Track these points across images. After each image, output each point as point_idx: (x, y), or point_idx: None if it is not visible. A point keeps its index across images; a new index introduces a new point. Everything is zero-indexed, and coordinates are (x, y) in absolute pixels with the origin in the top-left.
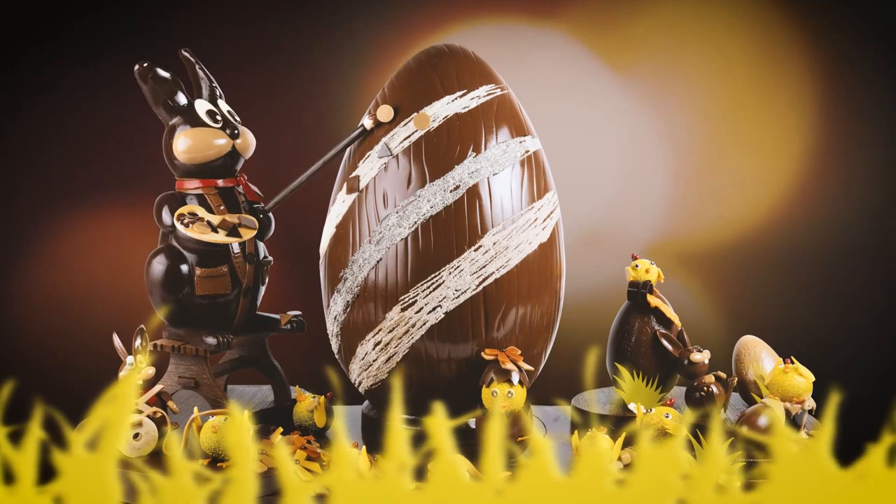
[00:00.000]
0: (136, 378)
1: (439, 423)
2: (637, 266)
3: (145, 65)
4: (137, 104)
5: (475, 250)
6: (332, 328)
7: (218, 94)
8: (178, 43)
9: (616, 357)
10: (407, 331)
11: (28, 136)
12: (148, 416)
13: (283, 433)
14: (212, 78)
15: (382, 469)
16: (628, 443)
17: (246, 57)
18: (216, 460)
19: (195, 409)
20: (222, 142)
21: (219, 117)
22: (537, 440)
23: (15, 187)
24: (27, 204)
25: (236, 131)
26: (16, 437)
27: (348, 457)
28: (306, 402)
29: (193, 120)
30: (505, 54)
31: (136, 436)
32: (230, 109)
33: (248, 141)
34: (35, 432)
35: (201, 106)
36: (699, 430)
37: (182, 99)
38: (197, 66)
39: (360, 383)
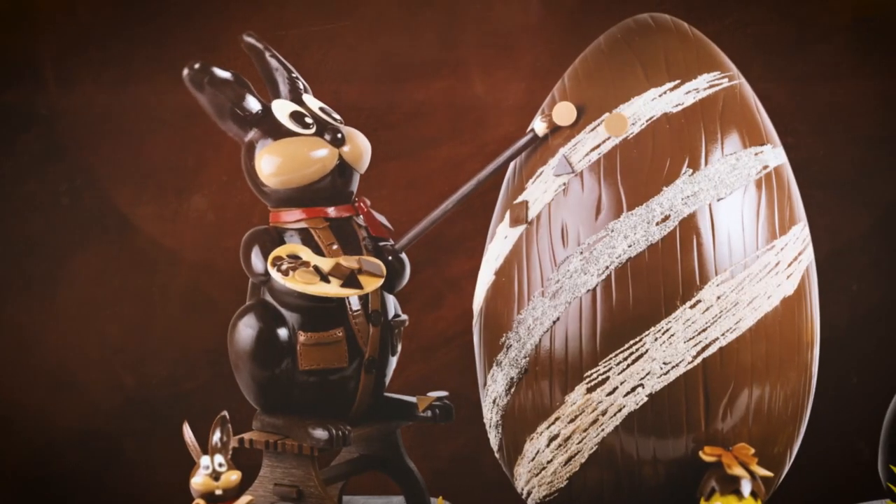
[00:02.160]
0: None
1: None
2: None
3: (196, 66)
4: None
5: (692, 307)
6: (491, 416)
7: (302, 87)
8: (226, 28)
9: (891, 458)
10: (595, 420)
11: None
12: None
13: None
14: (290, 67)
15: None
16: None
17: (346, 34)
18: None
19: None
20: (323, 153)
21: (309, 119)
22: None
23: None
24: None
25: (339, 135)
26: None
27: None
28: None
29: (275, 130)
30: (736, 29)
31: None
32: (324, 106)
33: (359, 146)
34: None
35: (281, 108)
36: None
37: (254, 104)
38: (267, 55)
39: (528, 493)
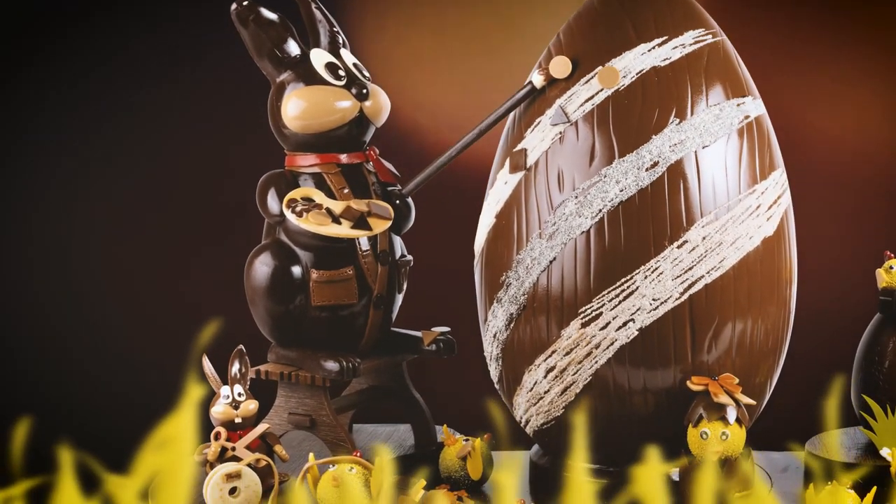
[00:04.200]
0: (227, 414)
1: (652, 473)
2: (892, 268)
3: (245, 3)
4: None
5: (679, 247)
6: (491, 349)
7: (341, 41)
8: None
9: (864, 388)
10: (589, 353)
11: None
12: (249, 466)
13: (425, 487)
14: (333, 21)
15: None
16: (880, 499)
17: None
18: None
19: (311, 455)
20: (347, 104)
21: (342, 72)
22: (761, 496)
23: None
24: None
25: (365, 90)
26: (39, 496)
27: None
28: (457, 447)
29: (309, 76)
30: None
31: (232, 491)
32: (357, 62)
33: (380, 103)
34: (68, 488)
35: (319, 57)
36: None
37: (294, 48)
38: (313, 6)
39: (527, 422)
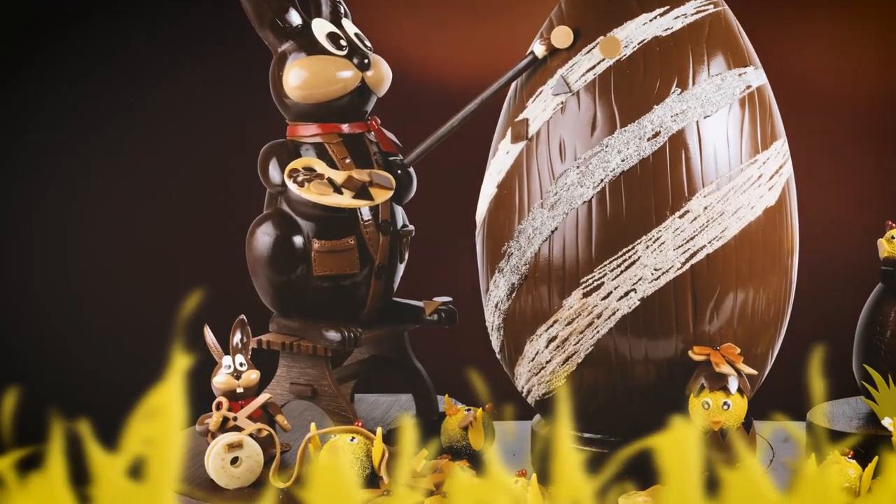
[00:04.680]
0: (228, 384)
1: (677, 442)
2: (894, 238)
3: None
4: None
5: (680, 217)
6: (493, 319)
7: (343, 11)
8: None
9: (865, 358)
10: (591, 323)
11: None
12: (250, 435)
13: (427, 457)
14: None
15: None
16: (882, 469)
17: None
18: None
19: (312, 425)
20: (348, 74)
21: (343, 42)
22: (752, 466)
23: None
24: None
25: (366, 60)
26: (28, 465)
27: (508, 490)
28: (458, 417)
29: (310, 45)
30: None
31: (234, 460)
32: (359, 32)
33: (381, 73)
34: (56, 458)
35: (320, 27)
36: None
37: (295, 18)
38: None
39: (528, 392)
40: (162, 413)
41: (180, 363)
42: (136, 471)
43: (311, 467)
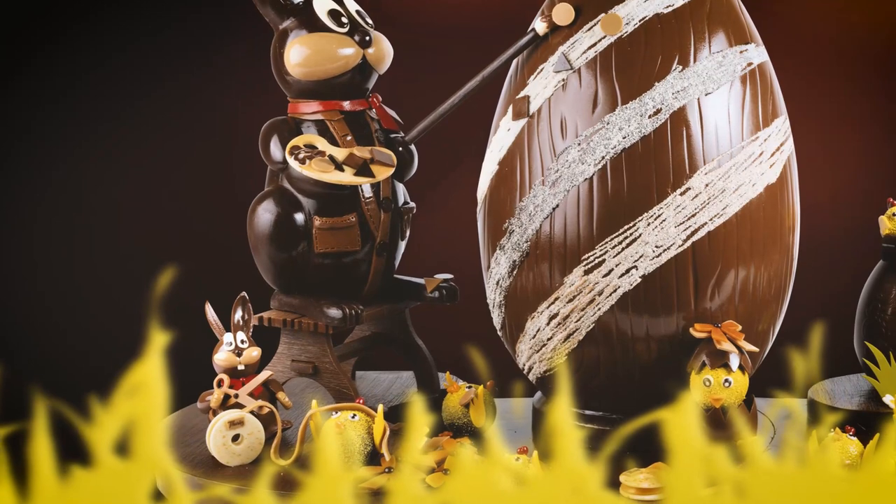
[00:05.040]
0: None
1: (682, 418)
2: (895, 215)
3: None
4: None
5: (682, 194)
6: (494, 296)
7: None
8: None
9: (867, 335)
10: (592, 300)
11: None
12: (252, 413)
13: (428, 435)
14: None
15: (554, 480)
16: (883, 446)
17: None
18: None
19: (314, 402)
20: (349, 51)
21: (345, 19)
22: (753, 443)
23: None
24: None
25: (367, 38)
26: (13, 442)
27: (508, 467)
28: (460, 394)
29: (311, 23)
30: None
31: (235, 438)
32: (360, 9)
33: (382, 50)
34: (42, 435)
35: (322, 4)
36: None
37: None
38: None
39: (530, 369)
40: (144, 390)
41: (158, 340)
42: (121, 448)
43: (312, 446)
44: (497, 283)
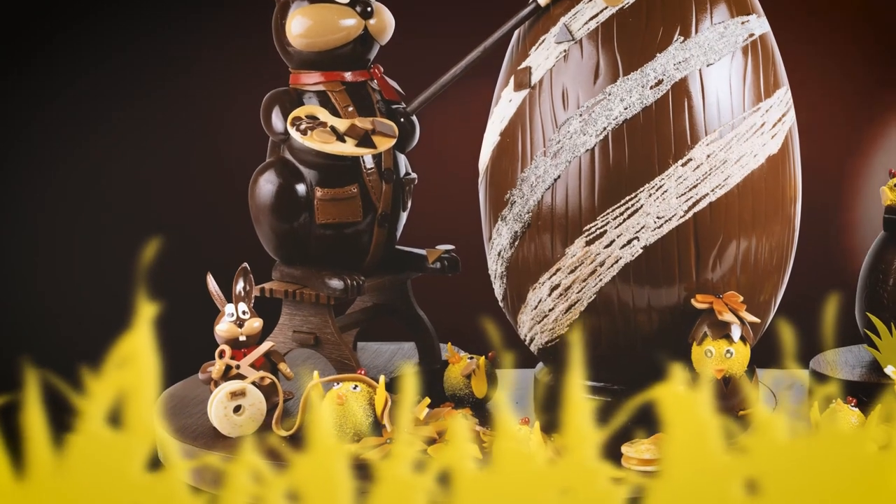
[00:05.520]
0: (231, 332)
1: (674, 391)
2: None
3: None
4: None
5: (683, 165)
6: (496, 267)
7: None
8: None
9: (868, 306)
10: (593, 271)
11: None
12: (253, 384)
13: (430, 405)
14: None
15: (560, 451)
16: (885, 417)
17: None
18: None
19: (315, 373)
20: (351, 22)
21: None
22: (763, 414)
23: None
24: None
25: (369, 8)
26: (5, 414)
27: (515, 436)
28: (461, 365)
29: None
30: None
31: (237, 409)
32: None
33: (384, 21)
34: (33, 405)
35: None
36: None
37: None
38: None
39: (531, 340)
40: (134, 361)
41: (147, 311)
42: (113, 419)
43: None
44: (499, 254)
